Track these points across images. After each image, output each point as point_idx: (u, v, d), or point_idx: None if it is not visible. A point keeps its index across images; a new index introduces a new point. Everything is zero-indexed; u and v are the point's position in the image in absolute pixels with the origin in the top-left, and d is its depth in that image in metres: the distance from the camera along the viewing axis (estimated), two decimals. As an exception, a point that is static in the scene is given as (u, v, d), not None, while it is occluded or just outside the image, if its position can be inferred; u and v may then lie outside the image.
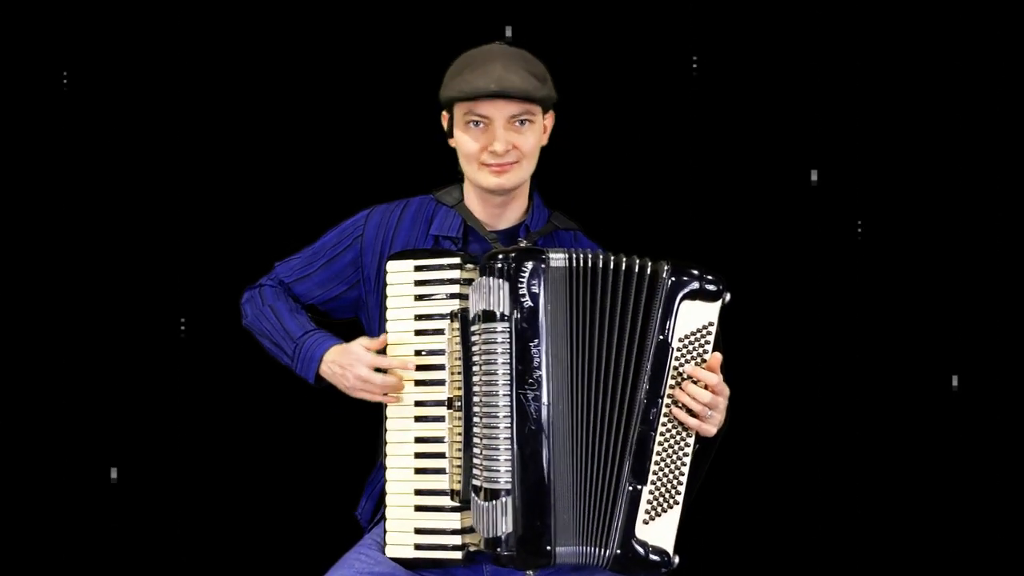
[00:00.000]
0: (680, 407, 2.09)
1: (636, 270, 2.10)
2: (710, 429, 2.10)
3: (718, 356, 2.11)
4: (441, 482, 2.12)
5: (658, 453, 2.08)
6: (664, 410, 2.08)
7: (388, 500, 2.15)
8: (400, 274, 2.16)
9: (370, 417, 2.27)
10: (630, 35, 3.32)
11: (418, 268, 2.15)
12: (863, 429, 3.35)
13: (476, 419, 2.08)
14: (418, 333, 2.15)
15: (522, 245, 2.19)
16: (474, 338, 2.09)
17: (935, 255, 3.34)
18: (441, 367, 2.14)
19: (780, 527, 3.37)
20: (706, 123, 3.35)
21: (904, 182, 3.34)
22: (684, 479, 2.09)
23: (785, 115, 3.34)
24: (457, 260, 2.14)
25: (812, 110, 3.33)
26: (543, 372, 2.05)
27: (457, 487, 2.11)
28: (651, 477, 2.07)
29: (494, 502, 2.04)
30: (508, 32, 2.26)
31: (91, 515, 3.28)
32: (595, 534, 2.07)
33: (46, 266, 3.27)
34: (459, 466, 2.11)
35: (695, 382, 2.09)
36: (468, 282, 2.12)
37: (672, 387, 2.08)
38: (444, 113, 2.29)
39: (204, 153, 3.29)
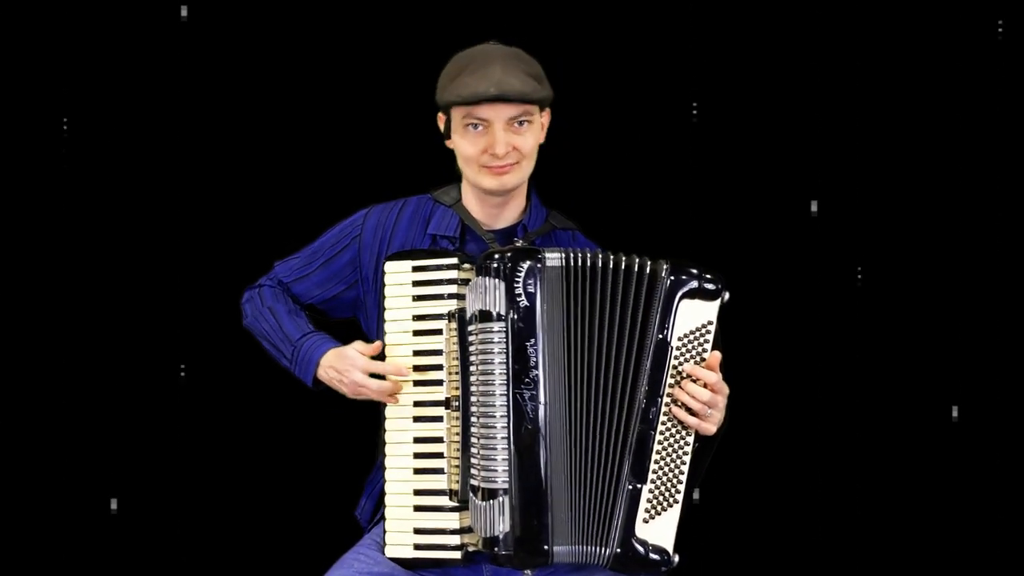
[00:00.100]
0: (680, 406, 2.08)
1: (635, 269, 2.10)
2: (710, 428, 2.10)
3: (717, 355, 2.11)
4: (440, 482, 2.13)
5: (657, 452, 2.08)
6: (663, 409, 2.08)
7: (387, 500, 2.15)
8: (398, 275, 2.16)
9: (370, 417, 2.27)
10: (630, 35, 3.32)
11: (416, 269, 2.16)
12: (863, 457, 3.34)
13: (474, 419, 2.08)
14: (416, 333, 2.15)
15: (518, 245, 2.19)
16: (471, 338, 2.09)
17: (936, 285, 3.33)
18: (439, 367, 2.14)
19: (779, 529, 3.36)
20: (705, 123, 3.34)
21: (906, 214, 3.33)
22: (684, 478, 2.09)
23: (786, 144, 3.33)
24: (454, 260, 2.14)
25: (813, 139, 3.33)
26: (540, 372, 2.05)
27: (456, 487, 2.11)
28: (651, 476, 2.07)
29: (491, 502, 2.05)
30: (492, 43, 2.25)
31: (91, 546, 3.28)
32: (595, 533, 2.07)
33: (46, 288, 3.26)
34: (457, 466, 2.11)
35: (694, 381, 2.09)
36: (466, 282, 2.12)
37: (671, 386, 2.08)
38: (440, 115, 2.29)
39: (204, 153, 3.29)
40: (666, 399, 2.08)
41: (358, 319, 2.36)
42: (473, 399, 2.08)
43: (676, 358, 2.09)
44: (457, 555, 2.11)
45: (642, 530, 2.06)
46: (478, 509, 2.07)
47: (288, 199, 3.24)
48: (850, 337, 3.34)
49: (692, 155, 3.33)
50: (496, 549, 2.05)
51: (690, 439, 2.10)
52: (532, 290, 2.06)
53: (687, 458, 2.09)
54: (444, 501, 2.12)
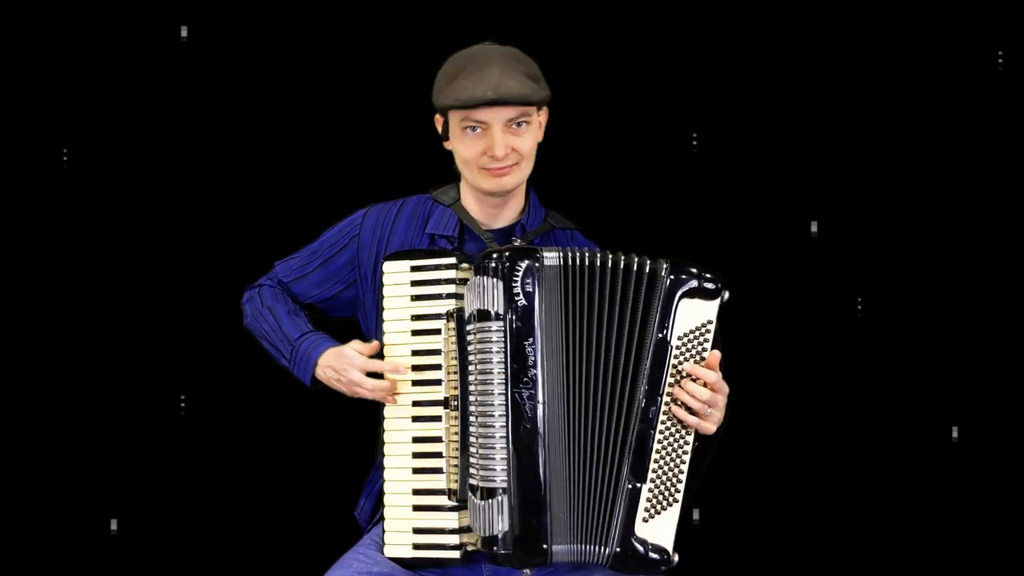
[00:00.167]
0: (679, 405, 2.08)
1: (635, 268, 2.09)
2: (709, 427, 2.09)
3: (717, 354, 2.10)
4: (439, 482, 2.13)
5: (657, 451, 2.07)
6: (663, 408, 2.08)
7: (386, 500, 2.15)
8: (396, 274, 2.16)
9: (369, 416, 2.27)
10: (630, 35, 3.32)
11: (414, 268, 2.15)
12: (863, 478, 3.33)
13: (472, 418, 2.08)
14: (415, 333, 2.15)
15: (516, 244, 2.19)
16: (469, 337, 2.09)
17: (938, 304, 3.32)
18: (438, 367, 2.14)
19: (781, 552, 3.36)
20: (705, 122, 3.34)
21: (906, 236, 3.33)
22: (683, 477, 2.09)
23: (787, 165, 3.34)
24: (453, 260, 2.14)
25: (814, 161, 3.34)
26: (538, 371, 2.05)
27: (455, 486, 2.11)
28: (650, 475, 2.07)
29: (490, 501, 2.05)
30: (488, 43, 2.25)
31: (91, 567, 3.28)
32: (594, 532, 2.07)
33: (45, 306, 3.27)
34: (456, 465, 2.11)
35: (694, 380, 2.08)
36: (464, 282, 2.12)
37: (671, 385, 2.08)
38: (438, 116, 2.28)
39: (203, 154, 3.29)
40: (666, 398, 2.08)
41: (357, 319, 2.36)
42: (472, 398, 2.08)
43: (676, 357, 2.08)
44: (456, 555, 2.11)
45: (642, 529, 2.06)
46: (477, 508, 2.06)
47: (288, 199, 3.24)
48: (850, 357, 3.34)
49: (691, 153, 3.33)
50: (495, 548, 2.05)
51: (690, 438, 2.10)
52: (530, 289, 2.06)
53: (687, 457, 2.09)
54: (443, 501, 2.12)
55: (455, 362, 2.12)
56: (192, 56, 3.29)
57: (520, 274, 2.06)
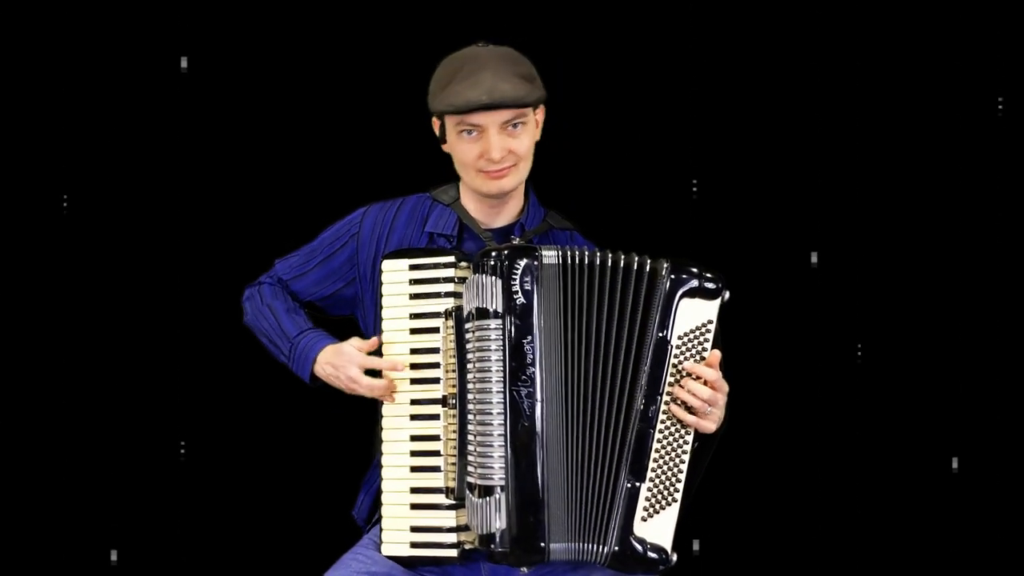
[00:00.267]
0: (679, 404, 2.08)
1: (635, 267, 2.09)
2: (709, 426, 2.09)
3: (717, 353, 2.10)
4: (436, 480, 2.12)
5: (656, 450, 2.07)
6: (663, 407, 2.08)
7: (384, 499, 2.15)
8: (395, 273, 2.16)
9: (367, 414, 2.27)
10: (629, 35, 3.32)
11: (413, 267, 2.16)
12: (863, 509, 3.33)
13: (470, 416, 2.08)
14: (413, 332, 2.15)
15: (515, 243, 2.19)
16: (468, 336, 2.09)
17: (938, 335, 3.32)
18: (436, 365, 2.14)
19: (782, 562, 3.35)
20: (705, 122, 3.34)
21: (907, 262, 3.33)
22: (683, 476, 2.08)
23: (786, 196, 3.34)
24: (451, 259, 2.14)
25: (816, 193, 3.35)
26: (537, 369, 2.05)
27: (452, 485, 2.11)
28: (649, 474, 2.07)
29: (488, 499, 2.05)
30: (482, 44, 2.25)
31: None
32: (593, 531, 2.06)
33: (46, 331, 3.27)
34: (454, 464, 2.11)
35: (695, 378, 2.08)
36: (463, 280, 2.12)
37: (671, 384, 2.08)
38: (435, 120, 2.28)
39: (203, 154, 3.30)
40: (665, 397, 2.08)
41: (356, 317, 2.36)
42: (470, 397, 2.08)
43: (676, 356, 2.08)
44: (454, 553, 2.11)
45: (640, 528, 2.06)
46: (474, 506, 2.06)
47: (288, 199, 3.25)
48: (851, 389, 3.34)
49: (690, 153, 3.33)
50: (492, 546, 2.04)
51: (689, 438, 2.09)
52: (529, 288, 2.06)
53: (686, 456, 2.09)
54: (441, 499, 2.12)
55: (453, 360, 2.12)
56: (193, 62, 3.30)
57: (519, 273, 2.06)
